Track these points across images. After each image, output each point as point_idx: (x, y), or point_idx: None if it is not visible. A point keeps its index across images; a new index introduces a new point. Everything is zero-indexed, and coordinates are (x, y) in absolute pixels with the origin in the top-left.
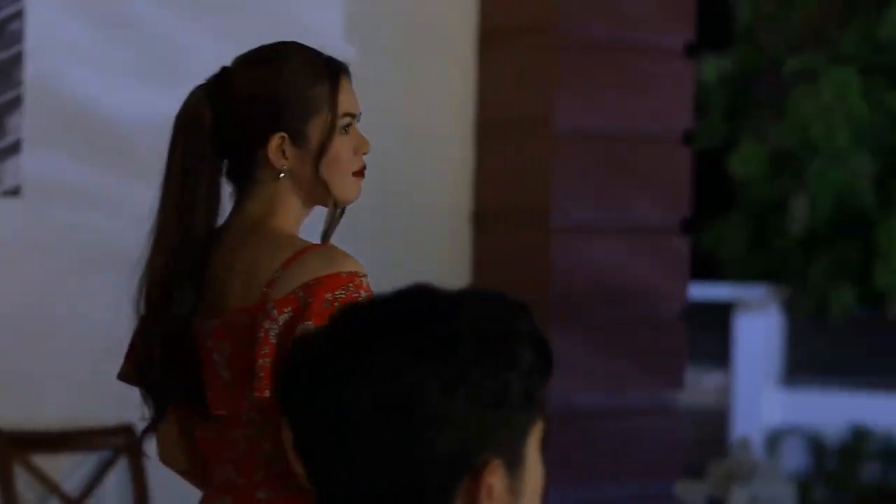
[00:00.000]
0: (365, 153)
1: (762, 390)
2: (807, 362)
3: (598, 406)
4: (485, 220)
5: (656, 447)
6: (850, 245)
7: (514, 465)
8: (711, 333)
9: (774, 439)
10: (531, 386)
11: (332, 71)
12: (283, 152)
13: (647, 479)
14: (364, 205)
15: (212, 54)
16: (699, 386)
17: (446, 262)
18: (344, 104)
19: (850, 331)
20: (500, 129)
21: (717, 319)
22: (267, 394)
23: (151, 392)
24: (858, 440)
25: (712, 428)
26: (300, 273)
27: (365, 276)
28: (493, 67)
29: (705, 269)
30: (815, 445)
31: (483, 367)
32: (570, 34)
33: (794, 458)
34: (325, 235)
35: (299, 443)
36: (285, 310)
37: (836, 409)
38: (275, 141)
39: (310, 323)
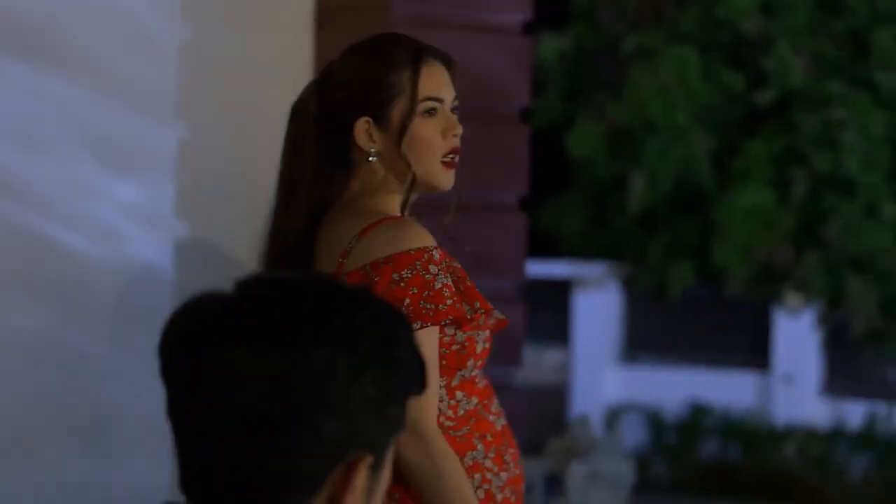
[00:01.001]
0: (455, 135)
1: (601, 367)
2: (645, 339)
3: None
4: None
5: None
6: (689, 223)
7: (377, 465)
8: (551, 311)
9: (613, 416)
10: (407, 393)
11: (415, 57)
12: (371, 136)
13: None
14: (202, 183)
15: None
16: (539, 363)
17: None
18: (426, 88)
19: (688, 308)
20: None
21: (557, 297)
22: None
23: None
24: (697, 416)
25: (552, 405)
26: (371, 248)
27: (435, 248)
28: (330, 45)
29: (545, 247)
30: (654, 422)
31: (379, 365)
32: (407, 12)
33: (634, 434)
34: (402, 212)
35: (175, 407)
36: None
37: (674, 386)
38: (360, 124)
39: None
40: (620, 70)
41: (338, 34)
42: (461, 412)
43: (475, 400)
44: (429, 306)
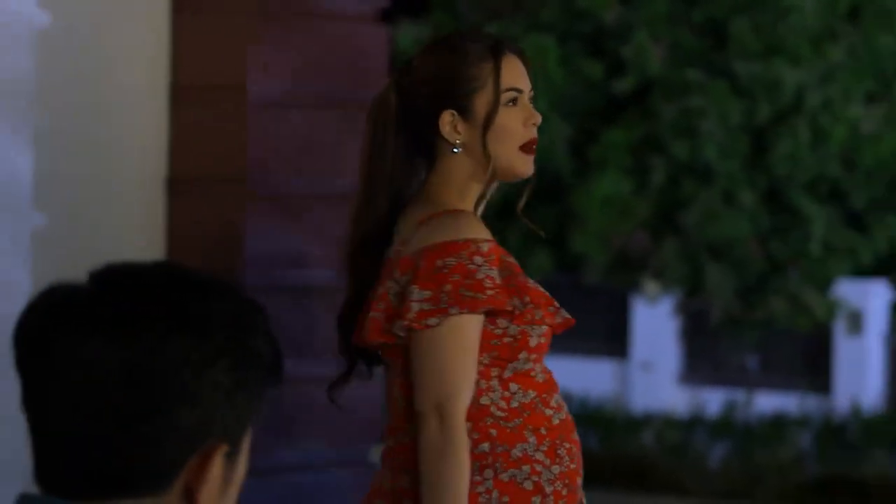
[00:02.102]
0: (535, 124)
1: None
2: None
3: (296, 371)
4: (179, 186)
5: (352, 413)
6: (547, 211)
7: (233, 454)
8: None
9: None
10: (264, 382)
11: (496, 50)
12: (456, 128)
13: (344, 444)
14: (59, 172)
15: None
16: None
17: (140, 229)
18: (508, 79)
19: None
20: (195, 96)
21: None
22: (369, 341)
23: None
24: None
25: None
26: (426, 235)
27: (486, 241)
28: (188, 33)
29: None
30: None
31: (232, 354)
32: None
33: None
34: (477, 204)
35: (29, 397)
36: (406, 272)
37: None
38: (446, 117)
39: (415, 286)
40: None
41: (196, 22)
42: (515, 404)
43: (532, 393)
44: (468, 294)
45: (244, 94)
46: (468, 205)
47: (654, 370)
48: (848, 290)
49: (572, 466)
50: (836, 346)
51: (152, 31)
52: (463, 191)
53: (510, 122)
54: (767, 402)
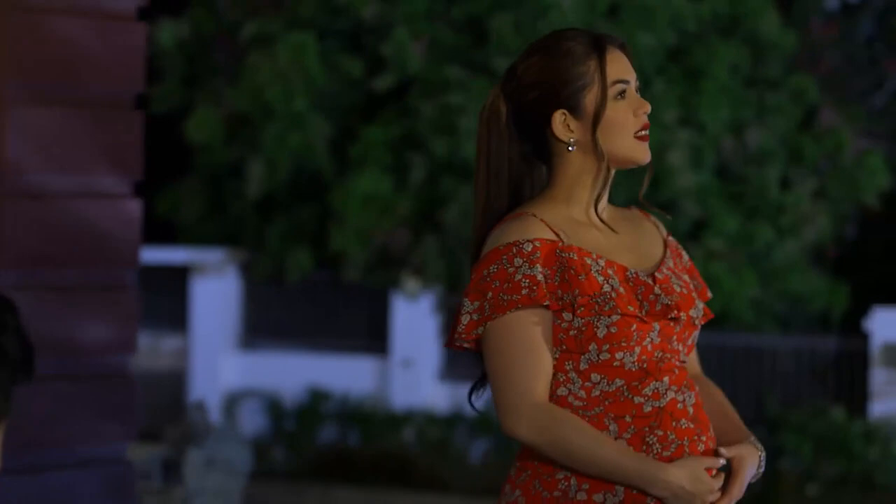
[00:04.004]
0: (645, 112)
1: (220, 353)
2: (265, 325)
3: (48, 370)
4: None
5: (107, 411)
6: (307, 209)
7: None
8: (169, 297)
9: (232, 402)
10: (11, 379)
11: (599, 45)
12: (568, 127)
13: (98, 443)
14: None
15: None
16: (157, 350)
17: None
18: (613, 73)
19: (307, 294)
20: None
21: (175, 283)
22: (455, 342)
23: None
24: (316, 402)
25: (171, 391)
26: (487, 243)
27: (530, 241)
28: None
29: (164, 233)
30: (273, 408)
31: None
32: None
33: (253, 420)
34: (598, 199)
35: None
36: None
37: (293, 372)
38: (557, 117)
39: (466, 299)
40: (239, 56)
41: None
42: (596, 393)
43: (619, 382)
44: (504, 297)
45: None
46: (579, 199)
47: (414, 367)
48: None
49: (665, 454)
50: None
51: None
52: (574, 186)
53: (620, 115)
54: None
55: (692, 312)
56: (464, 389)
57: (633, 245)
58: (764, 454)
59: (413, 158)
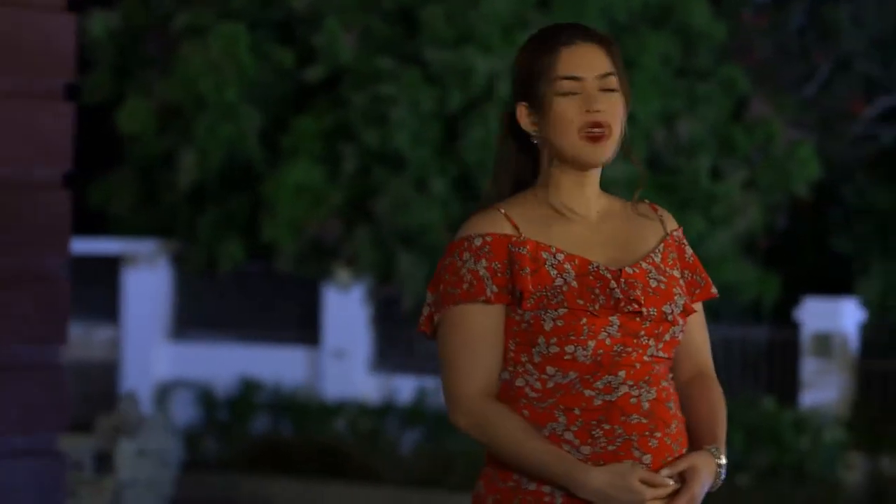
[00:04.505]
0: (597, 111)
1: (152, 344)
2: (197, 316)
3: None
4: None
5: (38, 401)
6: (239, 199)
7: None
8: (101, 288)
9: (164, 393)
10: None
11: (554, 40)
12: (531, 120)
13: (29, 434)
14: None
15: None
16: (88, 341)
17: None
18: (565, 68)
19: (239, 284)
20: None
21: (107, 274)
22: (426, 330)
23: None
24: (248, 392)
25: (102, 382)
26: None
27: (481, 236)
28: None
29: (95, 224)
30: (206, 398)
31: None
32: None
33: (185, 411)
34: (576, 193)
35: None
36: None
37: (225, 362)
38: (521, 110)
39: (428, 291)
40: (171, 47)
41: None
42: (550, 385)
43: (573, 374)
44: (450, 291)
45: None
46: (556, 193)
47: (346, 358)
48: None
49: (609, 449)
50: None
51: None
52: (550, 179)
53: (566, 111)
54: None
55: (666, 308)
56: (395, 381)
57: (615, 239)
58: (724, 463)
59: (344, 149)
